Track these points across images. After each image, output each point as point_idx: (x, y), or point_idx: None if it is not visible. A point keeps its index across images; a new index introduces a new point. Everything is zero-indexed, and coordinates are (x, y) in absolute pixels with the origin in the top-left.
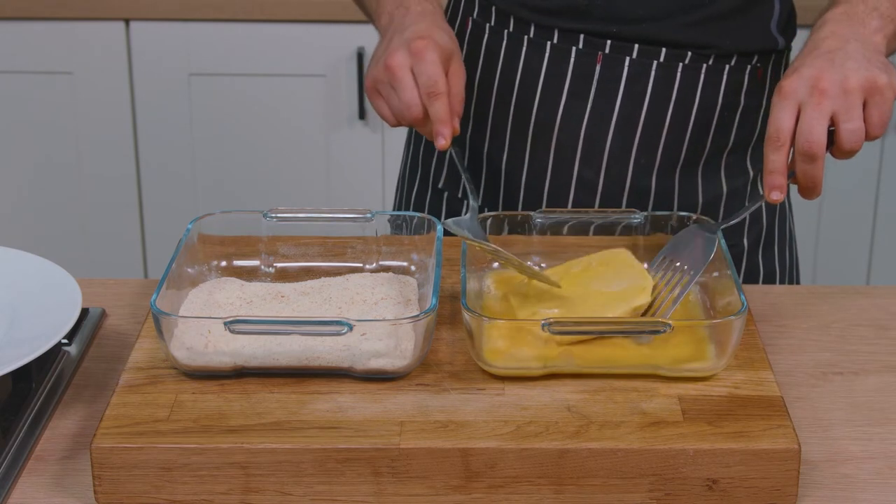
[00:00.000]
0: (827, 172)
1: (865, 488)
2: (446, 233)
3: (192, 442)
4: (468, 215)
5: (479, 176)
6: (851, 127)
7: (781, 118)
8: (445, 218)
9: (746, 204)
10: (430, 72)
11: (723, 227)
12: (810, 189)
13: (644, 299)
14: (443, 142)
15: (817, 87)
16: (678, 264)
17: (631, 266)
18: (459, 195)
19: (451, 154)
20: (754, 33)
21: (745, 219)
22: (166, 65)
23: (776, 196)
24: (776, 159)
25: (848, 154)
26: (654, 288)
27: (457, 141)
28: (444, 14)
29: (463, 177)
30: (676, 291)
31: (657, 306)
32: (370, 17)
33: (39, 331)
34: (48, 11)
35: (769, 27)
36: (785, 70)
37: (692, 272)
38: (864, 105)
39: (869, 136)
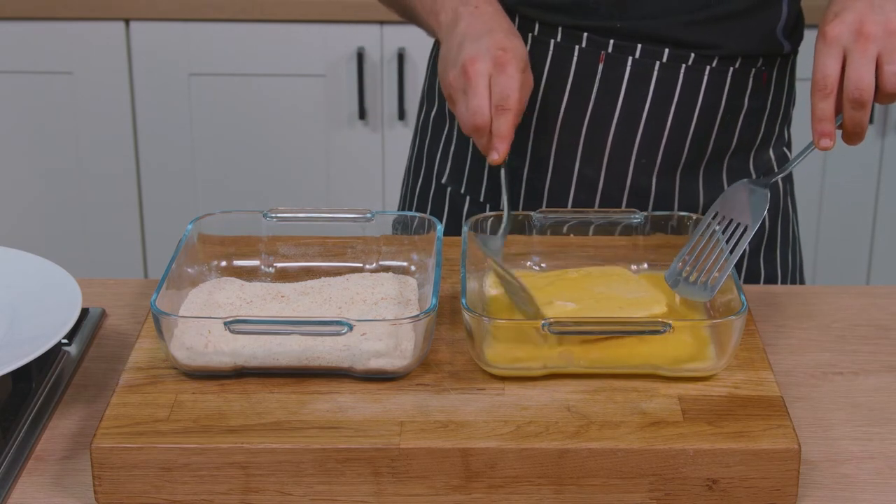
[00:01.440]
0: (827, 171)
1: (865, 488)
2: (446, 233)
3: (192, 442)
4: (499, 234)
5: (481, 172)
6: (894, 69)
7: (828, 64)
8: (447, 214)
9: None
10: (507, 85)
11: (773, 179)
12: (857, 135)
13: (660, 309)
14: (496, 157)
15: (861, 31)
16: (731, 220)
17: (637, 281)
18: (462, 191)
19: (501, 175)
20: (760, 36)
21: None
22: (166, 65)
23: (826, 143)
24: (825, 107)
25: (890, 97)
26: (704, 248)
27: (509, 160)
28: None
29: (503, 195)
30: (733, 248)
31: (715, 263)
32: (414, 16)
33: (39, 331)
34: (48, 11)
35: (775, 31)
36: (792, 72)
37: (745, 227)
38: None
39: None
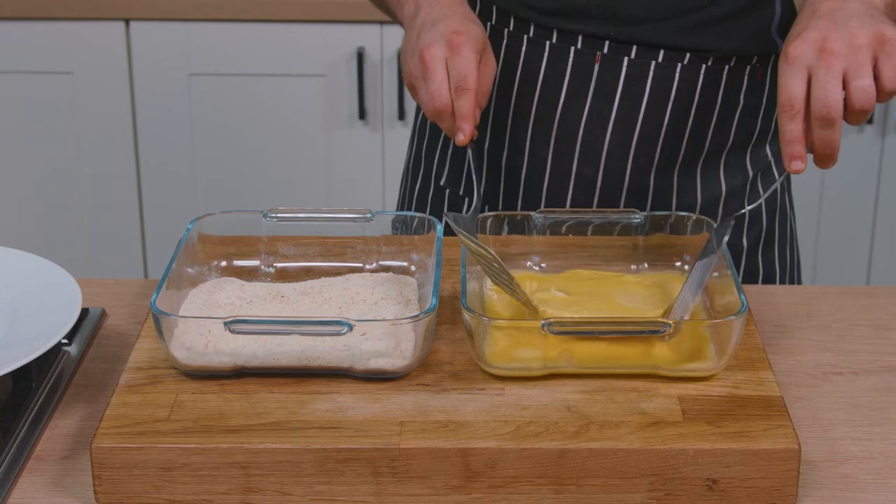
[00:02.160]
0: (827, 171)
1: (865, 488)
2: (446, 233)
3: (192, 442)
4: (469, 213)
5: (479, 172)
6: (862, 84)
7: (792, 84)
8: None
9: (757, 194)
10: (464, 66)
11: (740, 213)
12: (828, 157)
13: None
14: (462, 137)
15: (825, 48)
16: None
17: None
18: (461, 192)
19: (469, 155)
20: (754, 36)
21: (745, 217)
22: (166, 65)
23: (797, 166)
24: (793, 128)
25: (860, 115)
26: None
27: (475, 141)
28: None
29: (473, 175)
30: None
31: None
32: (386, 8)
33: (39, 331)
34: (48, 11)
35: (769, 30)
36: None
37: (698, 263)
38: (875, 61)
39: (883, 92)
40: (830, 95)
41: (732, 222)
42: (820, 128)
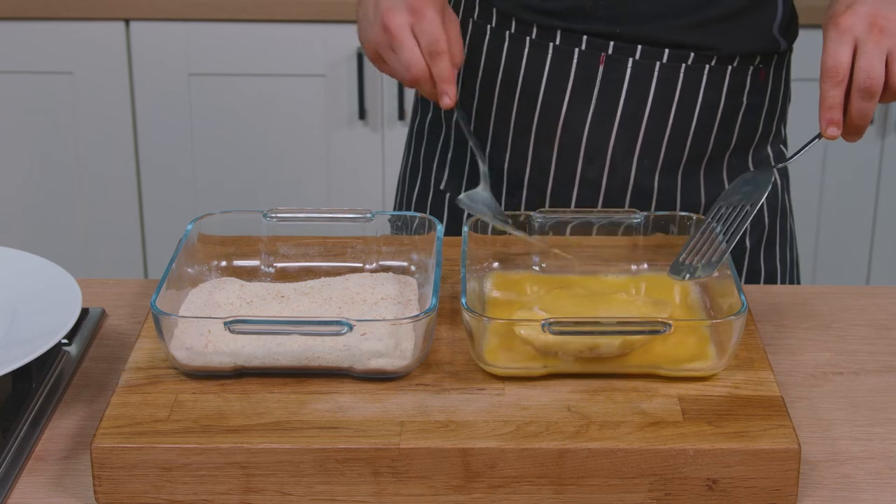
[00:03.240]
0: (827, 171)
1: (865, 488)
2: (446, 233)
3: (192, 442)
4: (480, 186)
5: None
6: None
7: (840, 52)
8: (447, 220)
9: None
10: (432, 30)
11: (778, 167)
12: (860, 128)
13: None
14: (448, 101)
15: (875, 24)
16: (733, 207)
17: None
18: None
19: (455, 120)
20: (756, 35)
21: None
22: (166, 65)
23: (833, 132)
24: (835, 94)
25: (894, 95)
26: (705, 236)
27: (461, 104)
28: None
29: (469, 141)
30: (735, 225)
31: (717, 242)
32: None
33: (39, 331)
34: (48, 11)
35: (771, 29)
36: (787, 70)
37: (751, 204)
38: None
39: None
40: (875, 69)
41: (773, 177)
42: (860, 99)
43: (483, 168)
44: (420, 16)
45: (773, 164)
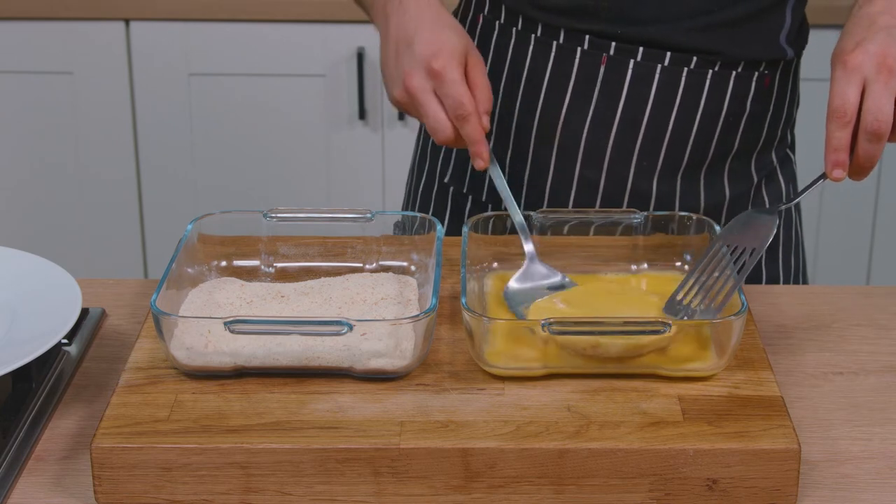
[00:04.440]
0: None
1: (865, 488)
2: (449, 232)
3: (192, 442)
4: (525, 265)
5: (483, 172)
6: None
7: (848, 92)
8: (449, 214)
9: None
10: (455, 93)
11: (780, 208)
12: (866, 170)
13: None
14: (481, 163)
15: (885, 63)
16: (736, 247)
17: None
18: (465, 191)
19: (489, 176)
20: (762, 43)
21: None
22: (166, 65)
23: (839, 174)
24: (841, 136)
25: None
26: (709, 273)
27: (494, 157)
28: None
29: (502, 196)
30: (739, 269)
31: (718, 288)
32: (365, 10)
33: (39, 331)
34: (48, 11)
35: (778, 38)
36: (795, 75)
37: (752, 250)
38: None
39: None
40: (883, 110)
41: (777, 221)
42: (867, 141)
43: (520, 220)
44: (441, 79)
45: (777, 170)
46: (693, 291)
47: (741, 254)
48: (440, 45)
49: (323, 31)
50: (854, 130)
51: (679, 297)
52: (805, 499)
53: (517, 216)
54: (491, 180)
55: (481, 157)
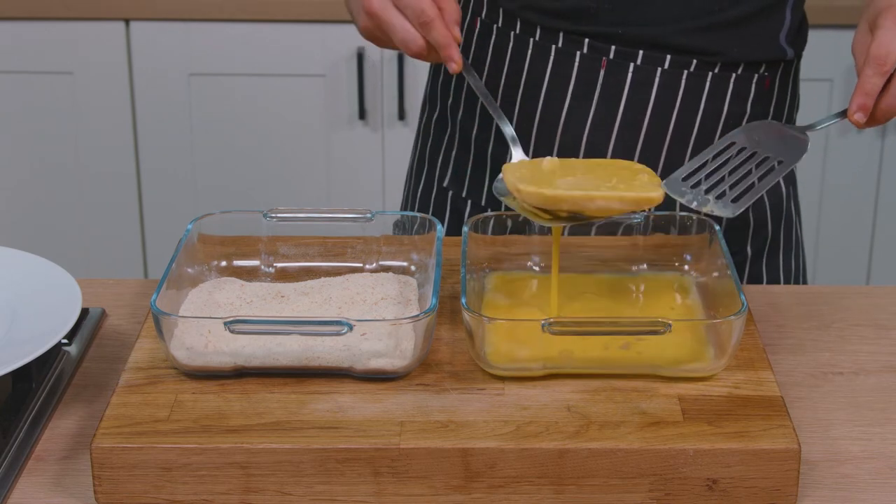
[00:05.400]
0: (827, 171)
1: (865, 488)
2: (448, 231)
3: (192, 442)
4: (513, 154)
5: (482, 174)
6: None
7: (893, 43)
8: (448, 218)
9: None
10: (413, 2)
11: (809, 130)
12: (880, 122)
13: (659, 193)
14: (454, 66)
15: None
16: (757, 152)
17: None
18: (464, 195)
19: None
20: (762, 43)
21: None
22: (166, 65)
23: (860, 118)
24: (876, 82)
25: None
26: (728, 162)
27: (468, 62)
28: None
29: (484, 102)
30: (764, 173)
31: (735, 180)
32: None
33: (39, 331)
34: (48, 11)
35: (778, 38)
36: (795, 77)
37: (784, 161)
38: None
39: None
40: None
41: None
42: (895, 96)
43: (509, 131)
44: None
45: (804, 131)
46: (704, 175)
47: (764, 159)
48: None
49: (323, 31)
50: (886, 84)
51: (689, 175)
52: (805, 499)
53: (500, 117)
54: (488, 182)
55: (452, 59)
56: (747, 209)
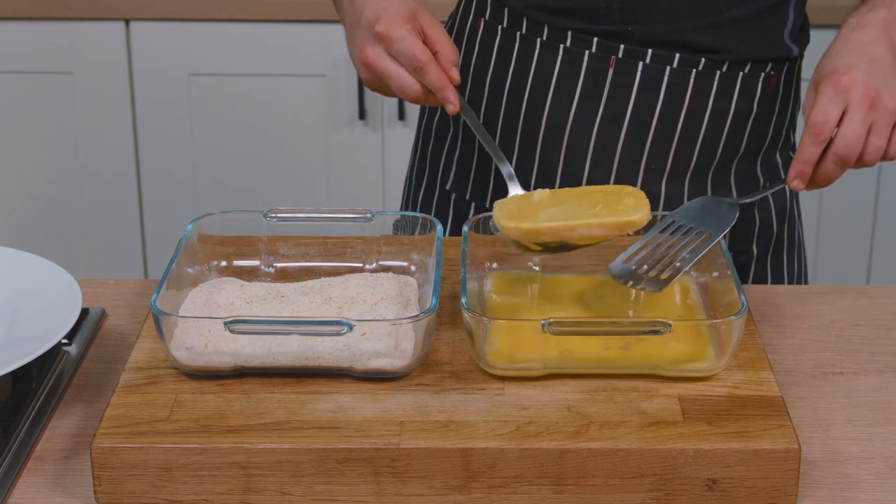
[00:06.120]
0: None
1: (865, 488)
2: (451, 234)
3: (192, 442)
4: (511, 195)
5: (486, 178)
6: (879, 143)
7: (831, 112)
8: (451, 220)
9: (766, 185)
10: (404, 48)
11: (740, 203)
12: (821, 186)
13: (640, 215)
14: (451, 108)
15: (868, 95)
16: (692, 227)
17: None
18: (467, 197)
19: (462, 120)
20: (768, 41)
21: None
22: (166, 65)
23: (798, 185)
24: (813, 151)
25: (862, 165)
26: (661, 246)
27: (466, 102)
28: None
29: (484, 144)
30: (691, 249)
31: (670, 260)
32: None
33: (39, 331)
34: (48, 11)
35: (783, 36)
36: (798, 76)
37: (711, 233)
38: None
39: (888, 156)
40: (857, 140)
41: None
42: (833, 162)
43: (507, 170)
44: (388, 40)
45: (781, 174)
46: (641, 258)
47: (696, 235)
48: (381, 11)
49: (323, 31)
50: (825, 150)
51: (627, 259)
52: (805, 499)
53: (499, 156)
54: (492, 184)
55: (449, 101)
56: (752, 209)
